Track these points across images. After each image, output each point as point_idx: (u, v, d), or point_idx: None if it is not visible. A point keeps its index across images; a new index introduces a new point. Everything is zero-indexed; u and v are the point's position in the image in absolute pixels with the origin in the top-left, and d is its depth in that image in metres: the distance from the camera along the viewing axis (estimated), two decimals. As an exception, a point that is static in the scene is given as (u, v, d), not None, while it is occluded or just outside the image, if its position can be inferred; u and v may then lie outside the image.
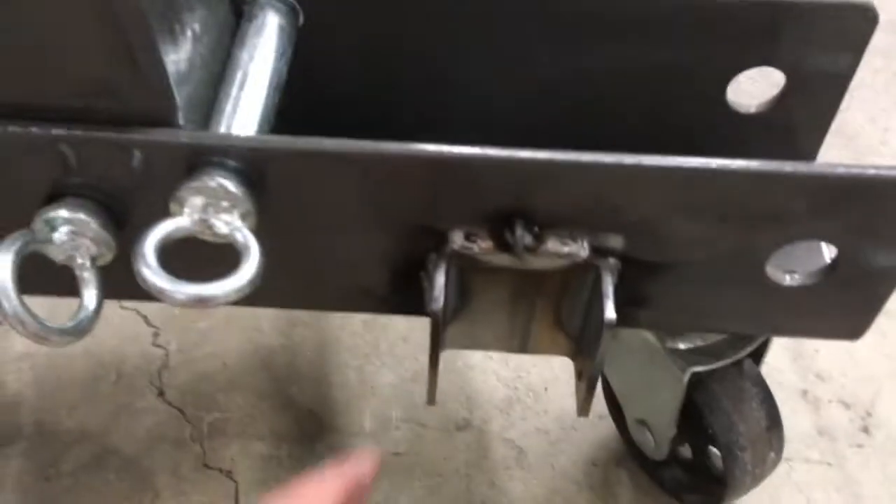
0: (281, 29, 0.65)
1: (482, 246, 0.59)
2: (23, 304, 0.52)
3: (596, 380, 0.63)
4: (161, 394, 0.96)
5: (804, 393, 0.98)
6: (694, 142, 0.67)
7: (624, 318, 0.60)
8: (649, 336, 0.75)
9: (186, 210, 0.54)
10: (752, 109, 0.73)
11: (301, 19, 0.67)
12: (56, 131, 0.54)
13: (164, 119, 0.54)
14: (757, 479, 0.80)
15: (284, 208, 0.57)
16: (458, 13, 0.69)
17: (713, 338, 0.74)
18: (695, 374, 0.74)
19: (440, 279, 0.58)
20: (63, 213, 0.55)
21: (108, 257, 0.57)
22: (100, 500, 0.88)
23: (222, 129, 0.59)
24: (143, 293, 0.52)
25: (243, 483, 0.89)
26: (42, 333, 0.53)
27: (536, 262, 0.59)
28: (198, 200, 0.54)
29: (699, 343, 0.74)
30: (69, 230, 0.55)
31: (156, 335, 1.01)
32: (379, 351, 1.00)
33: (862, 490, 0.91)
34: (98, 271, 0.57)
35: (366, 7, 0.69)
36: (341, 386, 0.97)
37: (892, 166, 0.52)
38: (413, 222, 0.58)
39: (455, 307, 0.64)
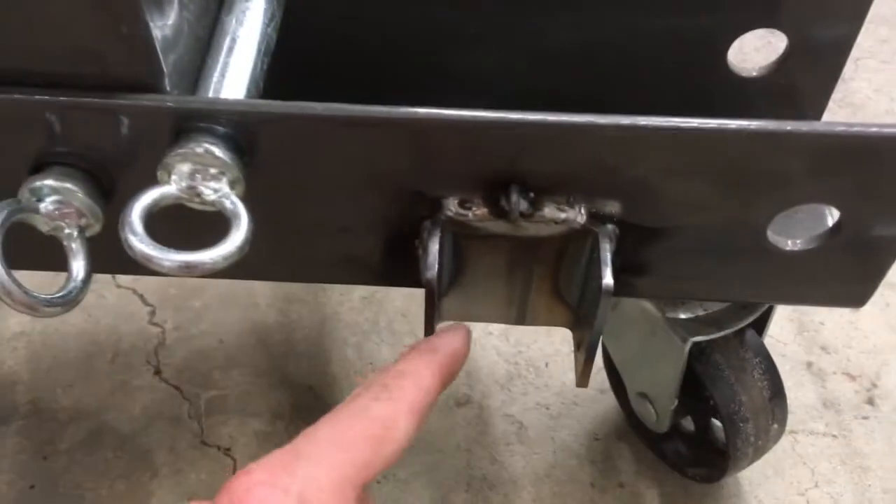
0: (270, -6, 0.64)
1: (477, 213, 0.57)
2: (9, 273, 0.51)
3: (594, 349, 0.62)
4: (158, 372, 0.95)
5: (809, 365, 0.97)
6: (697, 107, 0.65)
7: (623, 286, 0.59)
8: (649, 306, 0.74)
9: (174, 177, 0.53)
10: (754, 73, 0.71)
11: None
12: (40, 97, 0.52)
13: (151, 85, 0.53)
14: (759, 450, 0.79)
15: (274, 175, 0.55)
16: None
17: (714, 307, 0.73)
18: (696, 345, 0.73)
19: (434, 246, 0.57)
20: (49, 182, 0.54)
21: (95, 228, 0.56)
22: (98, 478, 0.87)
23: (210, 95, 0.58)
24: (132, 265, 0.51)
25: (241, 460, 0.89)
26: (30, 303, 0.52)
27: (533, 229, 0.58)
28: (185, 167, 0.52)
29: (700, 312, 0.73)
30: (56, 199, 0.54)
31: (152, 313, 1.00)
32: (378, 327, 1.00)
33: (867, 462, 0.90)
34: (86, 242, 0.56)
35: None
36: (340, 362, 0.97)
37: (893, 124, 0.51)
38: (406, 188, 0.57)
39: (451, 278, 0.63)
